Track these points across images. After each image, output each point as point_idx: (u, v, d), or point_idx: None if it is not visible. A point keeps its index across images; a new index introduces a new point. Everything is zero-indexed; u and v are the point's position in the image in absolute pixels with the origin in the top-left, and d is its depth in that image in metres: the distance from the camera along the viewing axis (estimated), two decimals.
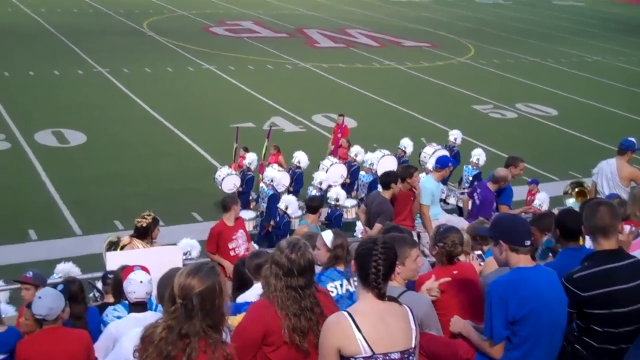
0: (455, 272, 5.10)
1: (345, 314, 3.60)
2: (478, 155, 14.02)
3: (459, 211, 12.19)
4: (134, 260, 6.13)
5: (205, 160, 16.31)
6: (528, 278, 4.08)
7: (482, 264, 6.04)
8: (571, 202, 10.53)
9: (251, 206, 13.12)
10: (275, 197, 12.12)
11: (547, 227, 5.60)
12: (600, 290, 4.20)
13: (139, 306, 5.35)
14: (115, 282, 5.92)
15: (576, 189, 11.10)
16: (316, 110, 20.96)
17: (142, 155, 16.59)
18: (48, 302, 5.01)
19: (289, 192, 12.84)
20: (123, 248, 7.95)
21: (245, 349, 3.87)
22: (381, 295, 3.63)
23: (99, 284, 7.31)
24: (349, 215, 12.49)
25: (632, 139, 10.18)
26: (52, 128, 17.77)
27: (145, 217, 7.90)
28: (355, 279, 4.87)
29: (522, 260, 4.13)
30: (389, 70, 28.66)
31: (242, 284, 5.98)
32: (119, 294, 5.81)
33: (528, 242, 4.14)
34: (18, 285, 6.70)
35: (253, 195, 13.38)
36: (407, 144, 14.52)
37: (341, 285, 5.08)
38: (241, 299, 5.24)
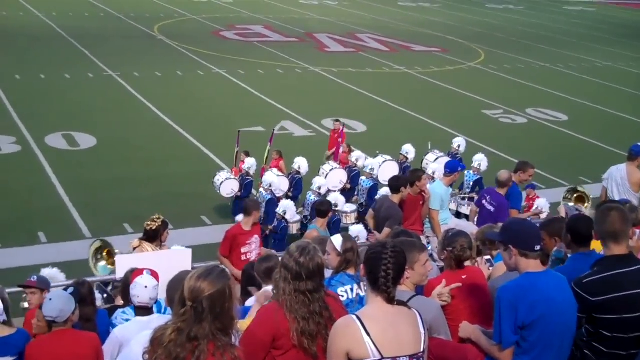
0: (464, 276, 5.10)
1: (354, 317, 3.60)
2: (480, 160, 13.83)
3: (458, 217, 12.10)
4: (144, 263, 6.12)
5: (214, 163, 16.30)
6: (538, 283, 4.07)
7: (490, 268, 6.03)
8: (571, 206, 10.53)
9: None
10: (273, 202, 12.05)
11: (557, 231, 5.57)
12: (610, 296, 4.19)
13: (144, 310, 5.34)
14: (125, 285, 5.93)
15: (575, 195, 11.20)
16: (326, 114, 20.91)
17: (152, 158, 16.65)
18: (59, 304, 5.01)
19: (287, 197, 12.80)
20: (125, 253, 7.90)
21: (254, 352, 3.87)
22: (390, 300, 3.63)
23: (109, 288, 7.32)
24: (347, 220, 12.30)
25: None
26: (63, 131, 17.84)
27: (155, 220, 7.90)
28: (364, 283, 4.87)
29: (532, 265, 4.12)
30: (399, 75, 28.64)
31: (247, 290, 5.98)
32: (128, 297, 5.82)
33: (538, 247, 4.13)
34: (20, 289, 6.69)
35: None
36: (409, 150, 14.35)
37: (351, 290, 5.07)
38: (250, 302, 5.25)
